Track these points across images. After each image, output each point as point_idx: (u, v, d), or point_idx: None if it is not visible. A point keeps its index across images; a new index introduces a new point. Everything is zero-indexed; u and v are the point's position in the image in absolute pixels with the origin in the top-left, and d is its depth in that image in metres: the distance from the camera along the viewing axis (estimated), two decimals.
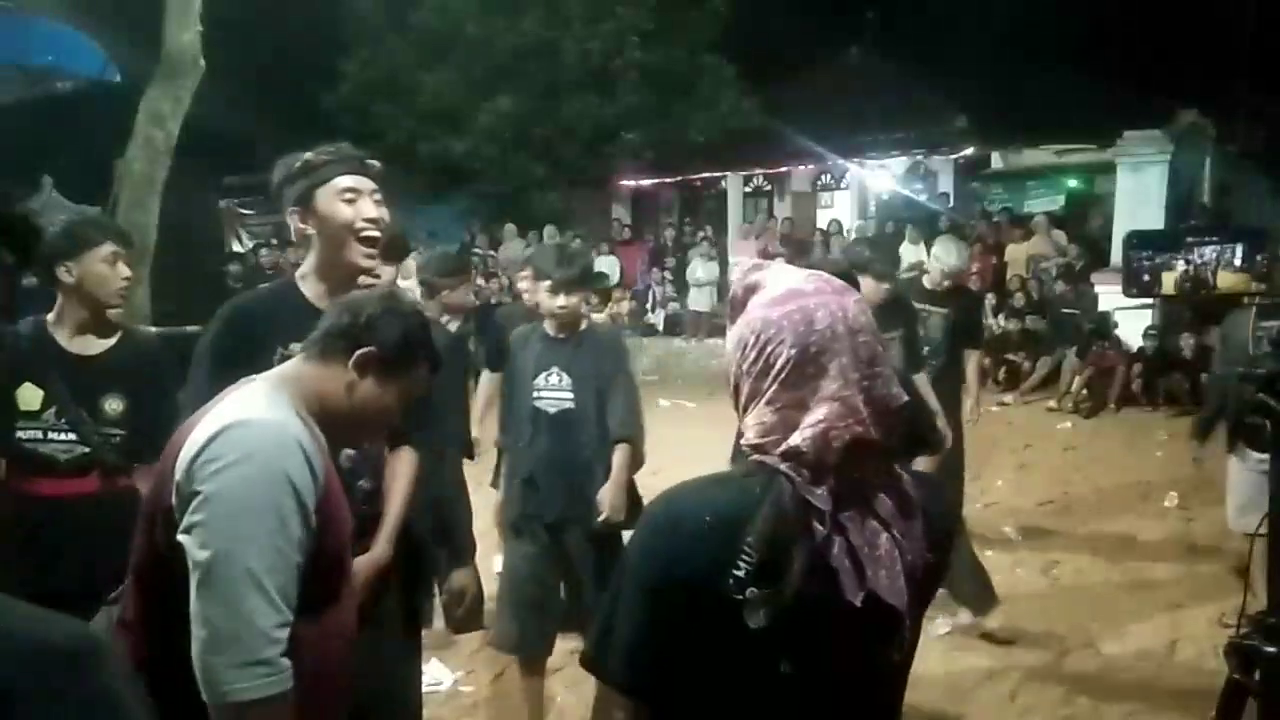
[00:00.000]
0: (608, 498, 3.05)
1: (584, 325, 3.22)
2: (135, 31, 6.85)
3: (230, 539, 1.36)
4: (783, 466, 1.11)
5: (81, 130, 9.17)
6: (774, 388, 1.14)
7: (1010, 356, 10.66)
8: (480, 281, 13.66)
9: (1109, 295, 10.30)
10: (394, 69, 15.03)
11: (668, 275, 14.85)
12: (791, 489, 1.10)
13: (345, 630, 1.61)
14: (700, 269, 14.07)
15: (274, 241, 14.88)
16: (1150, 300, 9.89)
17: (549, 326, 3.18)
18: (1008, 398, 10.13)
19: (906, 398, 1.16)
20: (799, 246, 14.21)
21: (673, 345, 13.24)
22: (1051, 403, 9.66)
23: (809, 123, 13.93)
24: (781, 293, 1.17)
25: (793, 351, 1.12)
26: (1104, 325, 10.02)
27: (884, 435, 1.13)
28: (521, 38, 14.41)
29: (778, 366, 1.13)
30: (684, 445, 4.83)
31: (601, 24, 14.45)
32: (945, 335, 4.46)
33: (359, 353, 1.61)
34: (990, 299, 11.55)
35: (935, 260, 4.56)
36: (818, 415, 1.11)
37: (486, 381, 4.50)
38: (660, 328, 14.34)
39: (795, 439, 1.11)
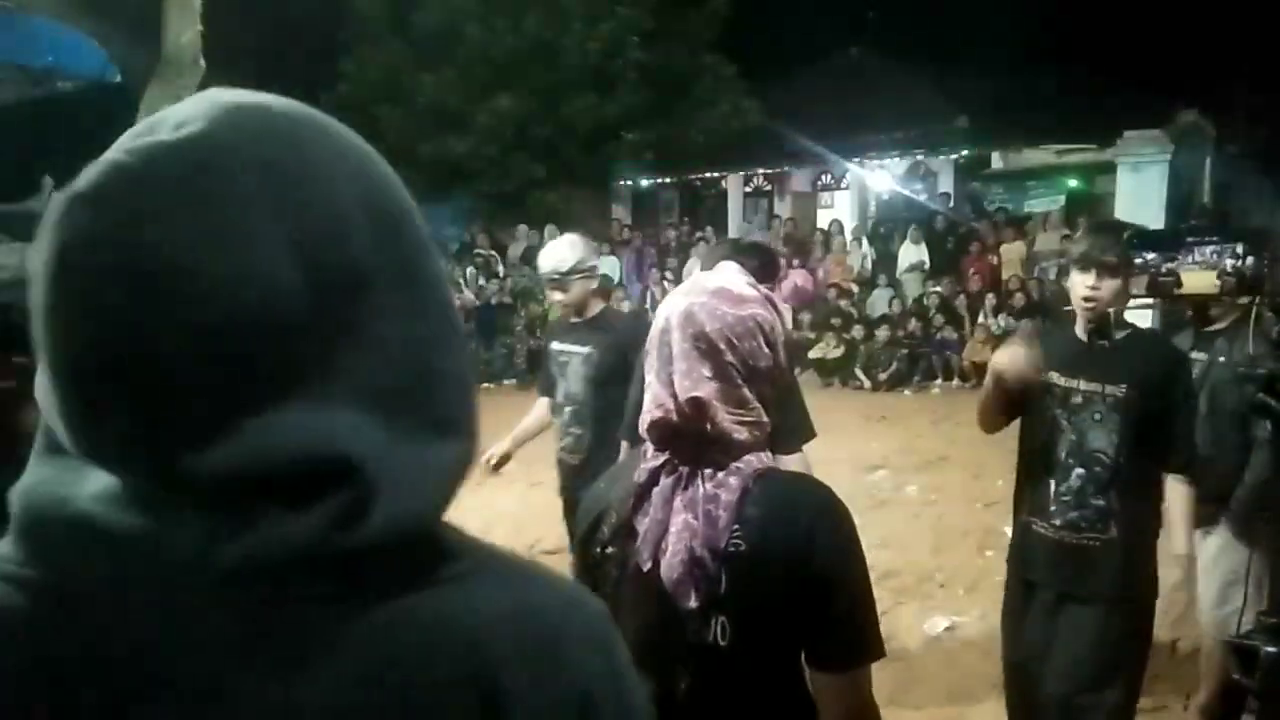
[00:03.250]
0: None
1: None
2: (135, 31, 6.84)
3: None
4: (644, 446, 1.34)
5: (81, 130, 9.17)
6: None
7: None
8: (481, 281, 13.67)
9: None
10: (394, 69, 15.04)
11: (668, 275, 14.84)
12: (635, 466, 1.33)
13: None
14: (699, 269, 14.04)
15: None
16: (1150, 300, 9.88)
17: None
18: None
19: (699, 394, 1.26)
20: (799, 246, 14.23)
21: None
22: None
23: (809, 123, 13.95)
24: None
25: (646, 345, 1.36)
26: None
27: (690, 424, 1.27)
28: (521, 38, 14.42)
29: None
30: None
31: (601, 24, 14.45)
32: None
33: None
34: (990, 299, 11.58)
35: (545, 258, 3.41)
36: (646, 398, 1.33)
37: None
38: None
39: (640, 420, 1.34)
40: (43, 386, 0.53)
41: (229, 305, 0.50)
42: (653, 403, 1.31)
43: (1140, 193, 11.61)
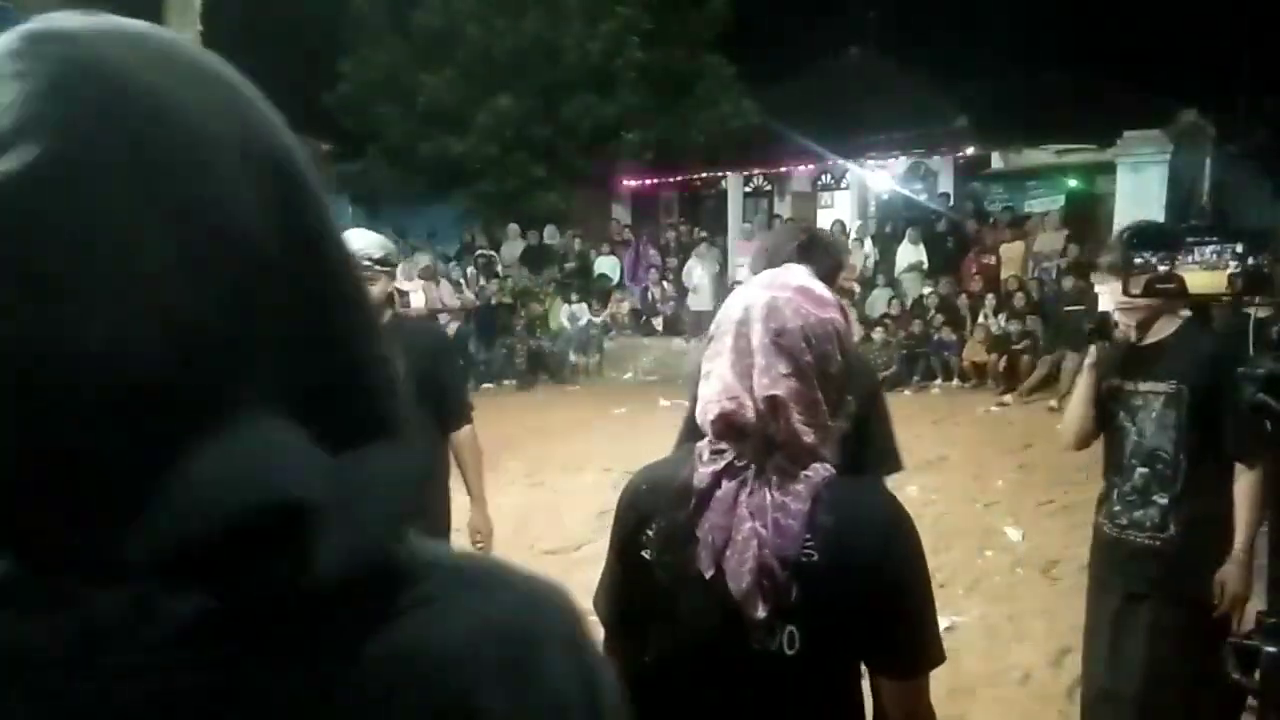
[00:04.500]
0: None
1: None
2: None
3: None
4: (700, 444, 1.29)
5: None
6: (702, 362, 1.32)
7: (1013, 349, 10.68)
8: (481, 281, 13.68)
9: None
10: (394, 69, 15.04)
11: (668, 275, 14.86)
12: (692, 466, 1.27)
13: None
14: (699, 269, 14.06)
15: None
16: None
17: None
18: (1008, 398, 10.14)
19: (777, 392, 1.22)
20: None
21: (673, 345, 13.26)
22: (1052, 402, 9.65)
23: (809, 123, 13.94)
24: None
25: (711, 330, 1.32)
26: (1104, 325, 10.02)
27: (761, 421, 1.23)
28: (521, 38, 14.42)
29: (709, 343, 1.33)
30: None
31: (601, 24, 14.45)
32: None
33: None
34: (990, 299, 11.58)
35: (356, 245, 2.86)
36: (707, 387, 1.28)
37: None
38: (660, 328, 14.35)
39: (697, 410, 1.29)
40: None
41: (127, 364, 0.41)
42: (723, 394, 1.25)
43: (1140, 193, 11.61)
